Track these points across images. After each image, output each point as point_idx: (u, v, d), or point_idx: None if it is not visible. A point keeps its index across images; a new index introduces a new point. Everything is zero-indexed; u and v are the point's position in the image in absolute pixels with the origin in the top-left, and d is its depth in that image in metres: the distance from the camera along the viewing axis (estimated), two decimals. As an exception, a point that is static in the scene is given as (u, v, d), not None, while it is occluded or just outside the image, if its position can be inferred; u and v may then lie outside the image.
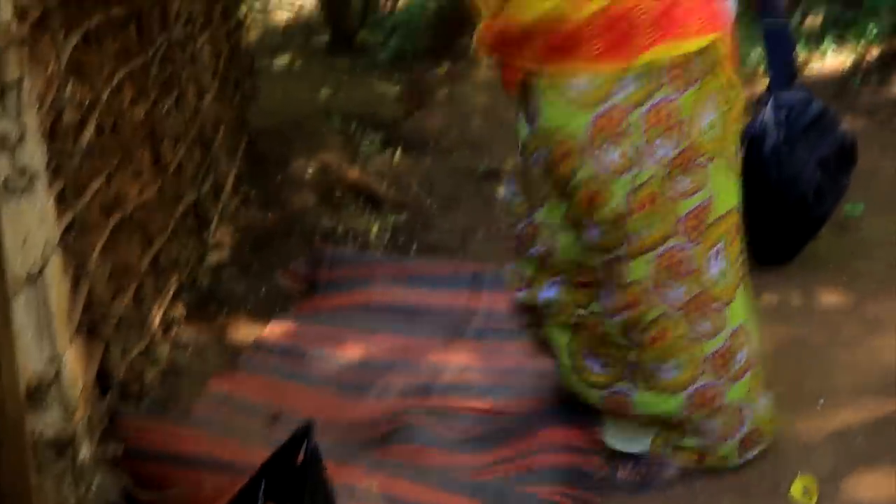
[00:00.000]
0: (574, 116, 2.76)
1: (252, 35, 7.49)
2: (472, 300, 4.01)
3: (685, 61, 2.74)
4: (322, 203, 5.11)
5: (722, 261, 2.91)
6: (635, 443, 3.09)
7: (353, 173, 5.45)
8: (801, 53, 7.40)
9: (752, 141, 4.22)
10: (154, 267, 3.55)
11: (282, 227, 4.76)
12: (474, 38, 2.99)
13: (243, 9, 6.14)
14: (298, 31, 9.65)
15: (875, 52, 7.30)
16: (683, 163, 2.79)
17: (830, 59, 7.57)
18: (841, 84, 6.96)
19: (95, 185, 2.94)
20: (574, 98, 2.75)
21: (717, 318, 2.93)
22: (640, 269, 2.86)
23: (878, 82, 6.94)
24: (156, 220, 3.63)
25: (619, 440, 3.11)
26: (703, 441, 3.03)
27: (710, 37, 2.77)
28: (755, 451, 3.09)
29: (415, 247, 4.71)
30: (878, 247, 4.57)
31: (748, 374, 3.01)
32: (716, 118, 2.82)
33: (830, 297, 4.17)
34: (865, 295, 4.14)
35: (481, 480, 3.02)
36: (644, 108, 2.73)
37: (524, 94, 2.89)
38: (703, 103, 2.78)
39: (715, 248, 2.89)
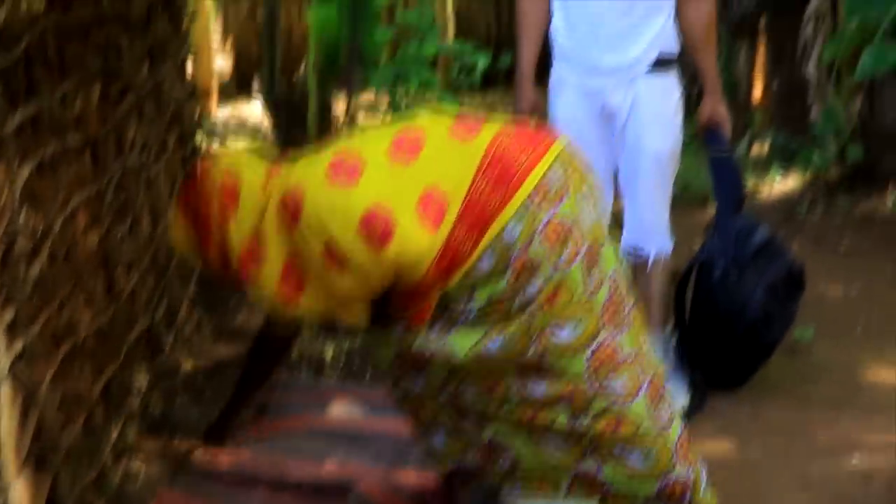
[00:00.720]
0: (493, 285, 2.83)
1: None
2: None
3: (540, 186, 2.83)
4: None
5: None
6: None
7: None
8: (748, 181, 7.56)
9: (700, 267, 4.29)
10: (106, 394, 3.52)
11: (236, 353, 4.74)
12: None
13: (199, 136, 6.18)
14: (254, 156, 9.72)
15: (821, 179, 7.47)
16: (591, 258, 2.87)
17: (778, 187, 7.74)
18: (788, 211, 7.10)
19: (47, 313, 2.93)
20: (483, 276, 2.83)
21: (666, 403, 2.97)
22: (574, 364, 2.88)
23: (823, 209, 7.09)
24: (108, 348, 3.61)
25: None
26: None
27: (547, 158, 2.87)
28: None
29: (369, 373, 4.70)
30: (828, 371, 4.62)
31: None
32: (592, 211, 2.92)
33: (782, 421, 4.19)
34: (816, 418, 4.17)
35: None
36: (536, 240, 2.81)
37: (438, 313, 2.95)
38: (578, 204, 2.87)
39: (643, 329, 2.98)
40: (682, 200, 5.69)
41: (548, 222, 2.82)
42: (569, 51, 4.23)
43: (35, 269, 2.85)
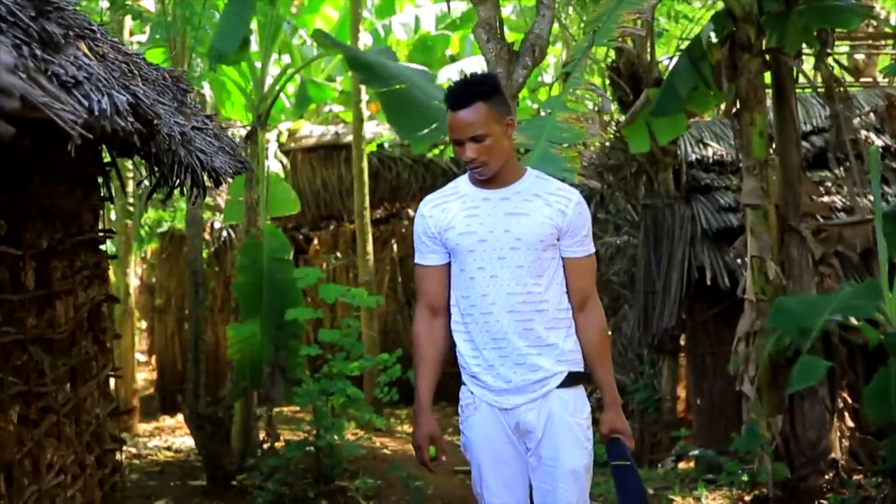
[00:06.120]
0: None
1: (128, 477, 7.37)
2: None
3: None
4: None
5: None
6: None
7: None
8: (675, 498, 7.53)
9: None
10: None
11: None
12: None
13: (119, 456, 6.06)
14: (175, 473, 9.55)
15: (748, 497, 7.46)
16: None
17: (705, 503, 7.71)
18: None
19: None
20: None
21: None
22: None
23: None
24: None
25: None
26: None
27: None
28: None
29: None
30: None
31: None
32: None
33: None
34: None
35: None
36: None
37: None
38: None
39: None
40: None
41: None
42: (478, 372, 4.19)
43: None
